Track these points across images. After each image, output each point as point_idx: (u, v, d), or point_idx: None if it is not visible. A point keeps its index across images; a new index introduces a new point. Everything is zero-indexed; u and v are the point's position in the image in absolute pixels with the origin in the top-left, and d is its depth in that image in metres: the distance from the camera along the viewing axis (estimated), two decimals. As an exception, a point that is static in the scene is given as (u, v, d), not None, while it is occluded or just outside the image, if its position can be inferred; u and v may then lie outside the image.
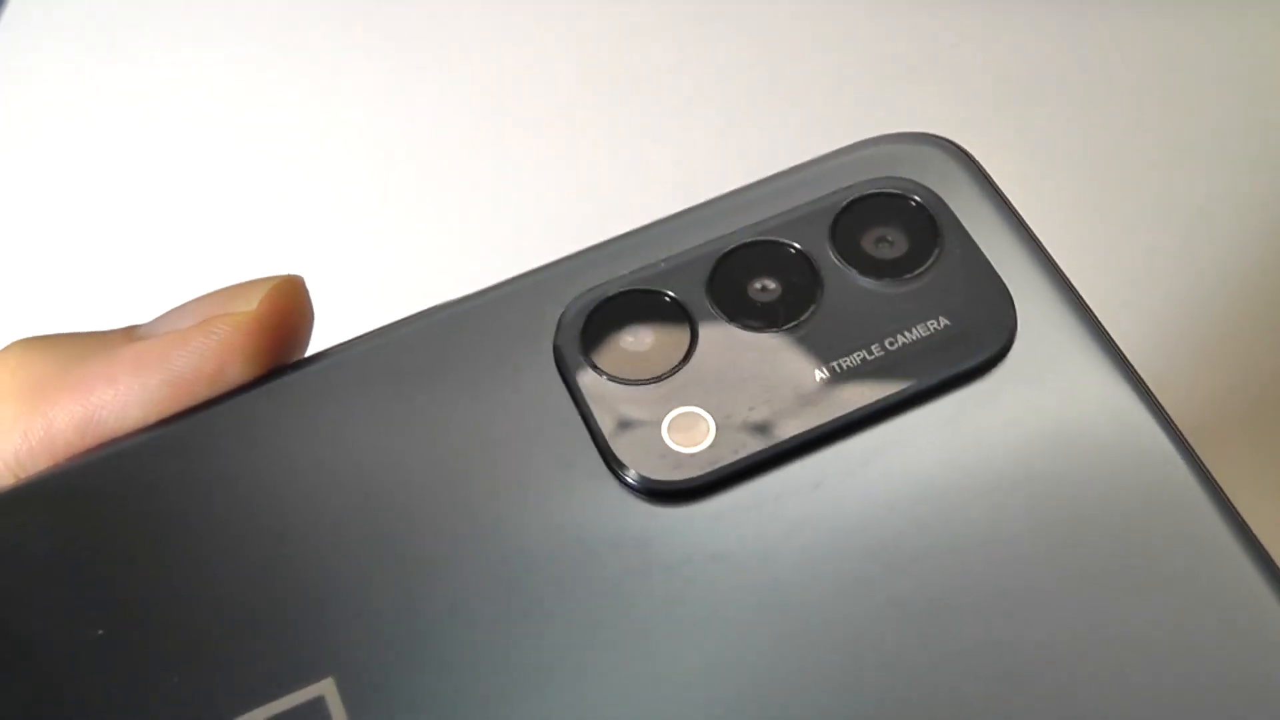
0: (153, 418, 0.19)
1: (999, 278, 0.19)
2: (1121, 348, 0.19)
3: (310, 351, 0.20)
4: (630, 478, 0.18)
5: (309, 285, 0.20)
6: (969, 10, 0.39)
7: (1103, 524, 0.18)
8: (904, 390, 0.18)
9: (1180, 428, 0.19)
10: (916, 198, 0.20)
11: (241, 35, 0.40)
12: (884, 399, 0.18)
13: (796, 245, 0.19)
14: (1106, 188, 0.37)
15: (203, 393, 0.19)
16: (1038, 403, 0.18)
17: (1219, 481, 0.18)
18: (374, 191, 0.37)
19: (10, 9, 0.39)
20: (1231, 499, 0.18)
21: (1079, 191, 0.37)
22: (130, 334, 0.19)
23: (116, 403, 0.19)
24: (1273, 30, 0.39)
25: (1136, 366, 0.19)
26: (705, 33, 0.39)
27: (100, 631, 0.17)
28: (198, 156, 0.37)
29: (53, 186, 0.37)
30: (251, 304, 0.19)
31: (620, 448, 0.18)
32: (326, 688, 0.17)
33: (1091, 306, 0.19)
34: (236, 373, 0.19)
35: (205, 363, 0.19)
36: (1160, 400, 0.19)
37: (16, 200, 0.37)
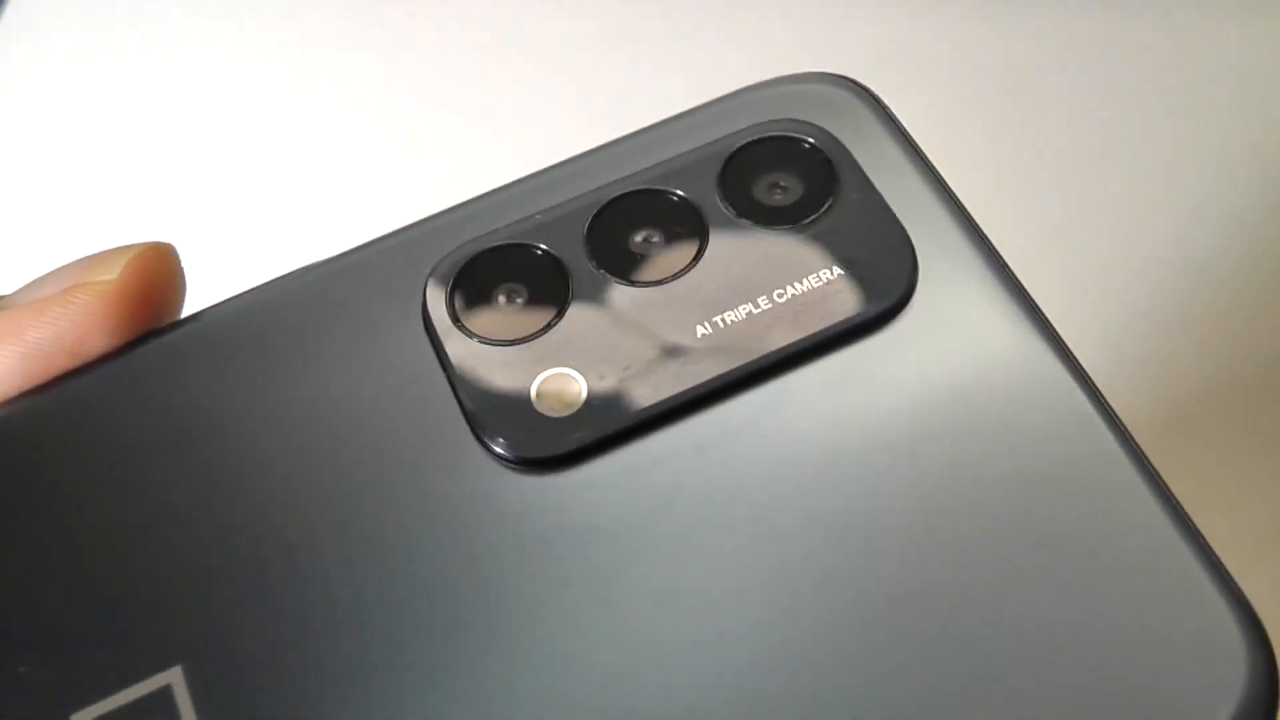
0: (9, 393, 0.18)
1: (899, 224, 0.18)
2: (1034, 298, 0.18)
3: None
4: (498, 446, 0.17)
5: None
6: (966, 9, 0.37)
7: (1008, 484, 0.16)
8: (790, 346, 0.17)
9: (1110, 402, 0.17)
10: (811, 140, 0.18)
11: (242, 35, 0.39)
12: (768, 355, 0.17)
13: (680, 193, 0.18)
14: (1097, 185, 0.36)
15: (62, 365, 0.18)
16: (937, 356, 0.17)
17: (1154, 463, 0.17)
18: (372, 189, 0.37)
19: (10, 9, 0.39)
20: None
21: (1071, 188, 0.36)
22: None
23: None
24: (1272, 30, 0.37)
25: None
26: (701, 33, 0.38)
27: None
28: (198, 156, 0.37)
29: (53, 186, 0.37)
30: (114, 272, 0.18)
31: (486, 414, 0.17)
32: (174, 676, 0.16)
33: (1005, 259, 0.18)
34: (98, 343, 0.18)
35: (64, 333, 0.18)
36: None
37: (16, 200, 0.37)
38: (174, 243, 0.35)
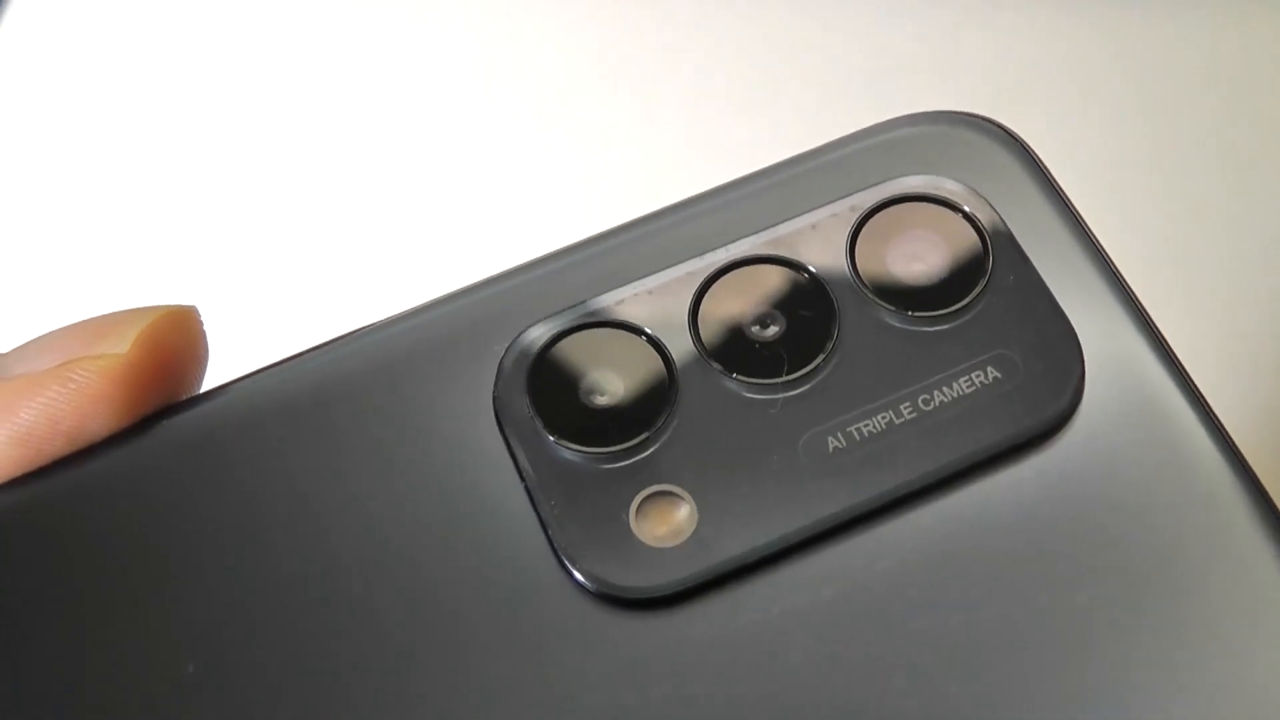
0: None
1: (1063, 314, 0.15)
2: (1207, 399, 0.15)
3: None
4: (584, 577, 0.14)
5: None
6: (986, 4, 0.34)
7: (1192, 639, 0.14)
8: (942, 468, 0.14)
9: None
10: (960, 204, 0.15)
11: (242, 35, 0.36)
12: (916, 480, 0.14)
13: (808, 264, 0.15)
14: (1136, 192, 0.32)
15: (57, 450, 0.15)
16: (1108, 485, 0.14)
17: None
18: (370, 192, 0.34)
19: (11, 9, 0.36)
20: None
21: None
22: None
23: None
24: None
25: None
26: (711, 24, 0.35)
27: None
28: (198, 157, 0.34)
29: (53, 186, 0.35)
30: (123, 345, 0.15)
31: (571, 538, 0.14)
32: None
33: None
34: (101, 427, 0.15)
35: (61, 417, 0.15)
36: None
37: (17, 200, 0.34)
38: (174, 242, 0.33)
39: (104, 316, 0.16)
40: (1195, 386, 0.15)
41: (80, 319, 0.16)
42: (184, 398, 0.16)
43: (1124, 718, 0.14)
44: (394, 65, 0.35)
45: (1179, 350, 0.15)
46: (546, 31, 0.35)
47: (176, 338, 0.15)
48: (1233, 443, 0.15)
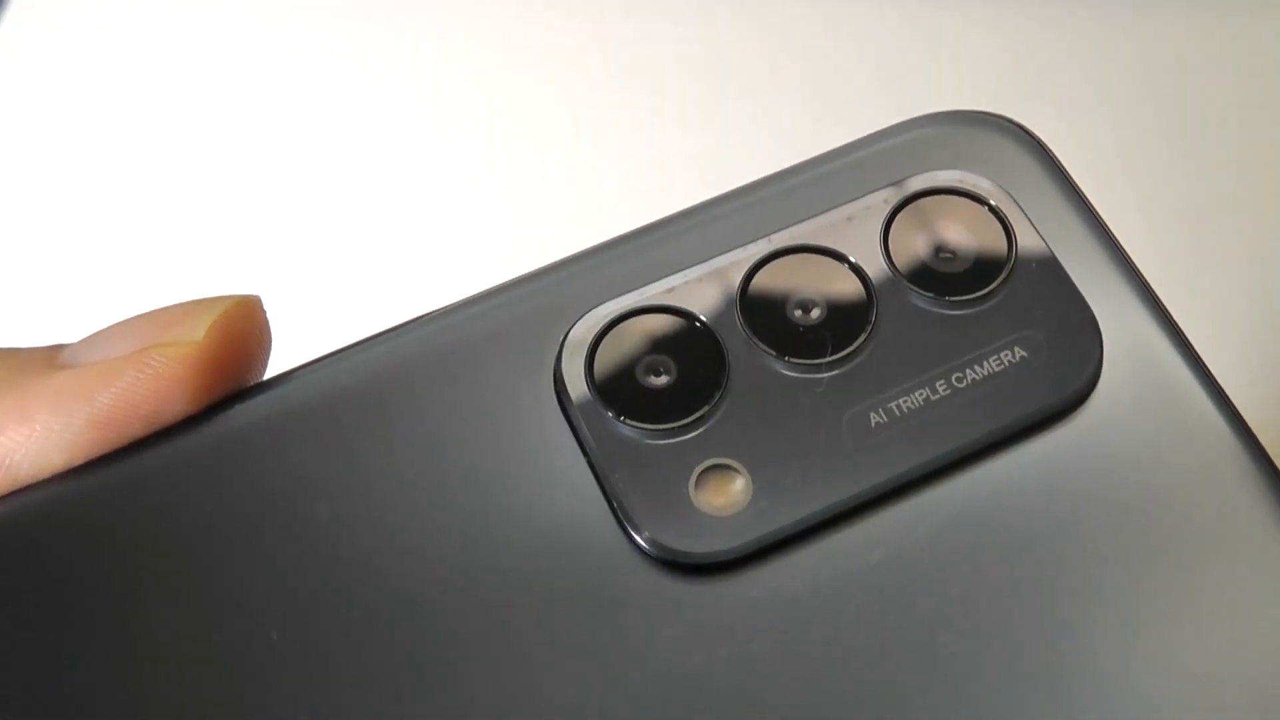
0: (76, 461, 0.16)
1: (1081, 297, 0.16)
2: (1217, 379, 0.16)
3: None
4: (648, 545, 0.15)
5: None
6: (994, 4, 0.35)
7: (1199, 593, 0.15)
8: (975, 441, 0.15)
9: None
10: (985, 197, 0.17)
11: (242, 36, 0.36)
12: (953, 452, 0.15)
13: (846, 253, 0.16)
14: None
15: (135, 433, 0.16)
16: (1126, 455, 0.16)
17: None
18: (377, 190, 0.34)
19: (11, 9, 0.36)
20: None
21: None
22: (53, 357, 0.16)
23: (32, 444, 0.16)
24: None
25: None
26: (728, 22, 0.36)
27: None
28: (198, 157, 0.35)
29: (53, 187, 0.35)
30: (197, 332, 0.16)
31: (635, 508, 0.15)
32: None
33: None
34: (176, 410, 0.16)
35: (139, 400, 0.16)
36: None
37: (17, 200, 0.34)
38: (174, 243, 0.33)
39: (176, 305, 0.16)
40: (1206, 366, 0.16)
41: (150, 309, 0.16)
42: (251, 383, 0.16)
43: (1130, 687, 0.15)
44: (435, 58, 0.35)
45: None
46: (572, 31, 0.36)
47: (246, 325, 0.16)
48: (1244, 422, 0.16)
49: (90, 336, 0.16)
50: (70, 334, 0.17)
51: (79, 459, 0.16)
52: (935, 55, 0.35)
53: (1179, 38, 0.35)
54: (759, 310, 0.16)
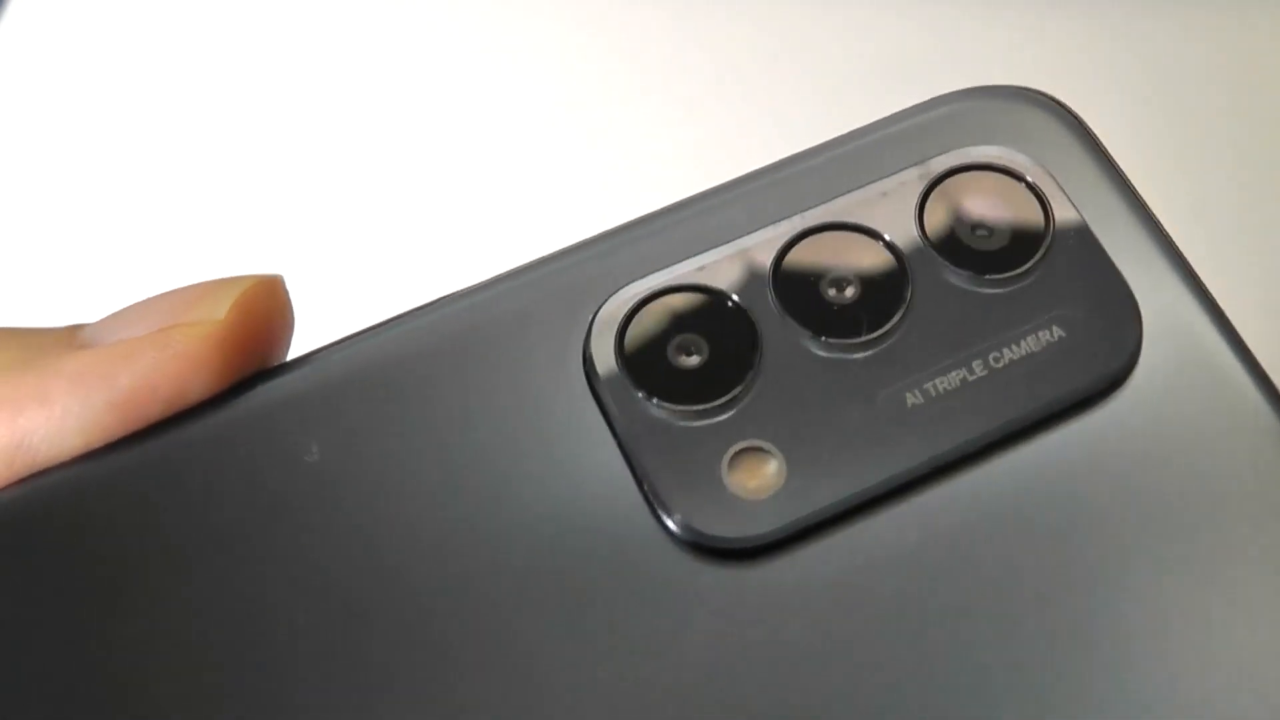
0: (94, 444, 0.15)
1: (1120, 275, 0.16)
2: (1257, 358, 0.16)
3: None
4: (679, 528, 0.15)
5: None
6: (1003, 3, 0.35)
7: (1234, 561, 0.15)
8: (1012, 421, 0.15)
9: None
10: (1022, 173, 0.16)
11: (243, 36, 0.36)
12: (991, 433, 0.15)
13: (881, 230, 0.16)
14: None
15: (156, 414, 0.15)
16: (1167, 435, 0.15)
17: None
18: (385, 179, 0.34)
19: (11, 9, 0.36)
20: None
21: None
22: (72, 337, 0.16)
23: (51, 426, 0.15)
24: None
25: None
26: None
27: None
28: (198, 156, 0.34)
29: (54, 187, 0.35)
30: (219, 311, 0.15)
31: (667, 490, 0.15)
32: None
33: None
34: (198, 391, 0.15)
35: (160, 381, 0.15)
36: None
37: (17, 200, 0.34)
38: (174, 242, 0.33)
39: (197, 285, 0.16)
40: (1247, 346, 0.16)
41: (169, 289, 0.16)
42: (274, 364, 0.16)
43: (1168, 667, 0.14)
44: (451, 48, 0.35)
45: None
46: (581, 26, 0.36)
47: (268, 304, 0.16)
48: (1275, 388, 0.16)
49: (110, 316, 0.16)
50: (89, 315, 0.17)
51: (98, 441, 0.15)
52: (959, 44, 0.35)
53: (1197, 35, 0.35)
54: (792, 288, 0.16)
